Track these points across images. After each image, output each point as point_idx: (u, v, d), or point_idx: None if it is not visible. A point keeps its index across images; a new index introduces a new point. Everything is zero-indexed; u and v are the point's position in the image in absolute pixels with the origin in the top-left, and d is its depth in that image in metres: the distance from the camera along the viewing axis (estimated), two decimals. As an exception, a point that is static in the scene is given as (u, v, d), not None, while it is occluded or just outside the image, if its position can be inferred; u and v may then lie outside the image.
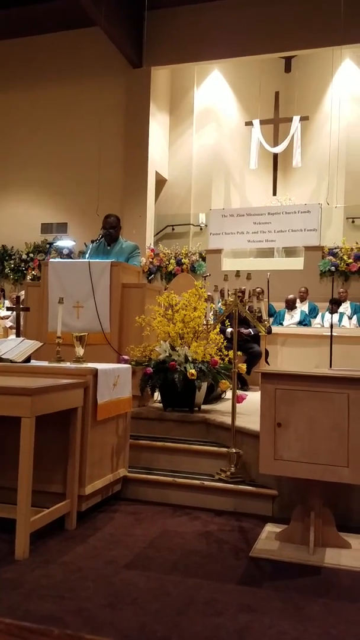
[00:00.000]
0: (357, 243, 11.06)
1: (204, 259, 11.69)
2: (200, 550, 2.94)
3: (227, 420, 3.98)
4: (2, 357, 3.53)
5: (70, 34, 12.30)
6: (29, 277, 12.25)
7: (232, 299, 3.98)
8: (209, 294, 4.74)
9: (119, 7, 11.01)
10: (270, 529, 3.24)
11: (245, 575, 2.68)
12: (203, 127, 12.97)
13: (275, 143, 12.59)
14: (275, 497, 3.50)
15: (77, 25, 11.91)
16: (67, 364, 3.54)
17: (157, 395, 4.81)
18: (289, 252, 12.09)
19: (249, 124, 12.72)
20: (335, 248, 11.03)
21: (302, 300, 9.96)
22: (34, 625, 0.75)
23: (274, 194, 12.67)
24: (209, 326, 4.28)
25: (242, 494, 3.58)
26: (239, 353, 4.17)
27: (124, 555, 2.83)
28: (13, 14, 12.06)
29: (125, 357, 4.37)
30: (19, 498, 2.76)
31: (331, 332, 7.20)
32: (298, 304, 9.80)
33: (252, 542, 3.05)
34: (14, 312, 5.37)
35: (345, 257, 10.83)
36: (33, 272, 12.26)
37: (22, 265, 12.62)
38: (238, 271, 4.37)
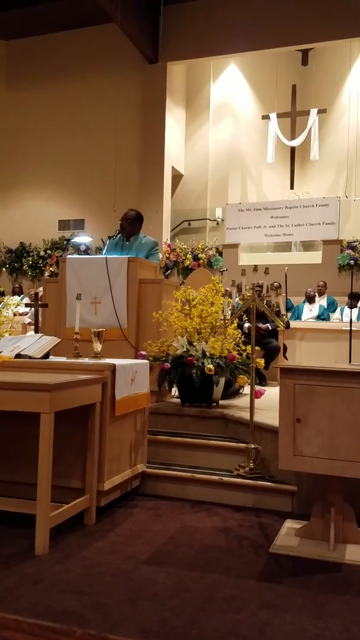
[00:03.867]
0: (376, 236, 10.93)
1: (220, 254, 11.64)
2: (220, 546, 2.93)
3: (246, 415, 3.96)
4: (21, 353, 3.55)
5: (86, 30, 12.29)
6: (46, 274, 12.32)
7: (249, 294, 3.95)
8: (226, 289, 4.71)
9: (134, 3, 10.97)
10: (289, 525, 3.22)
11: (265, 571, 2.66)
12: (219, 121, 12.90)
13: (293, 136, 12.48)
14: (294, 493, 3.48)
15: (92, 22, 11.90)
16: (85, 360, 3.55)
17: (174, 391, 4.80)
18: (307, 246, 11.98)
19: (265, 117, 12.62)
20: (355, 241, 10.90)
21: (321, 294, 9.87)
22: (57, 625, 0.74)
23: (292, 187, 12.56)
24: (226, 321, 4.26)
25: (261, 489, 3.56)
26: (257, 348, 4.14)
27: (143, 551, 2.83)
28: (29, 12, 12.09)
29: (143, 352, 4.37)
30: (39, 493, 2.77)
31: (350, 326, 7.12)
32: (316, 298, 9.72)
33: (271, 538, 3.04)
34: (33, 309, 5.41)
35: (364, 251, 10.70)
36: (51, 269, 12.33)
37: (40, 262, 12.70)
38: (256, 266, 4.33)
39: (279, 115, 12.46)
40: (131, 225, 5.07)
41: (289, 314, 9.12)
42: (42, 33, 12.57)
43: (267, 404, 4.08)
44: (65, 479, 3.23)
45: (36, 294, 5.80)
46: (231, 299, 4.51)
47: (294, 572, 2.68)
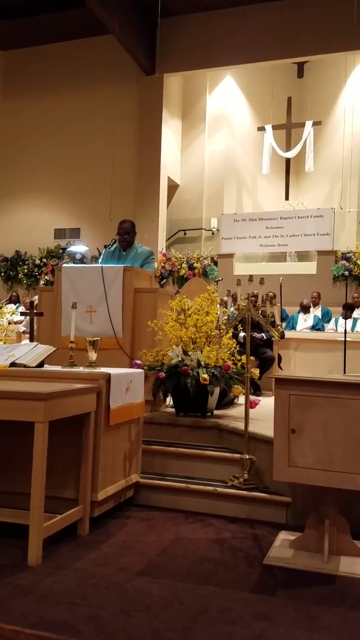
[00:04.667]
0: (370, 248, 11.00)
1: (215, 264, 11.68)
2: (214, 558, 2.91)
3: (240, 425, 3.96)
4: (16, 362, 3.53)
5: (84, 42, 12.39)
6: (42, 282, 12.32)
7: (244, 304, 3.97)
8: (221, 298, 4.72)
9: (132, 15, 11.08)
10: (284, 536, 3.21)
11: (259, 583, 2.65)
12: (215, 132, 12.99)
13: (288, 148, 12.58)
14: (289, 504, 3.47)
15: (90, 33, 12.00)
16: (80, 369, 3.54)
17: (169, 400, 4.80)
18: (302, 256, 12.04)
19: (261, 129, 12.72)
20: (349, 252, 10.96)
21: (315, 304, 9.91)
22: (54, 636, 0.74)
23: (287, 198, 12.64)
24: (221, 331, 4.26)
25: (255, 500, 3.55)
26: (252, 358, 4.14)
27: (136, 562, 2.81)
28: (26, 22, 12.18)
29: (138, 361, 4.37)
30: (32, 504, 2.75)
31: (345, 337, 7.14)
32: (311, 308, 9.76)
33: (265, 550, 3.02)
34: (28, 317, 5.40)
35: (359, 262, 10.75)
36: (46, 277, 12.33)
37: (36, 271, 12.70)
38: (251, 276, 4.36)
39: (274, 127, 12.57)
40: (130, 237, 5.13)
41: (284, 324, 9.14)
42: (40, 44, 12.66)
43: (261, 415, 4.07)
44: (59, 489, 3.21)
45: (31, 302, 5.80)
46: (226, 308, 4.52)
47: (288, 584, 2.67)
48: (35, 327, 5.00)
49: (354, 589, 2.63)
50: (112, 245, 5.13)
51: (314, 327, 9.32)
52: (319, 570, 2.80)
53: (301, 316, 9.57)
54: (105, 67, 12.22)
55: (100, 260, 5.03)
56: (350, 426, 2.79)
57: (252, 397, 3.96)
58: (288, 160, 12.71)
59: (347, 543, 2.98)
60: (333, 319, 9.55)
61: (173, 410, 4.59)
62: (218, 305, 4.52)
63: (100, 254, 5.14)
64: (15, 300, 11.65)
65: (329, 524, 2.93)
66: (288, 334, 8.23)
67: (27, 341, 5.17)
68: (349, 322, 8.92)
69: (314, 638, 2.16)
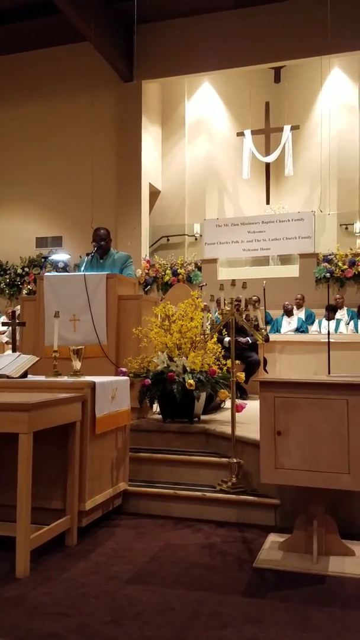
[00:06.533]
0: (351, 249, 11.09)
1: (199, 269, 11.71)
2: (204, 563, 2.91)
3: (227, 430, 3.96)
4: (-1, 372, 3.51)
5: (60, 49, 12.38)
6: (24, 292, 12.24)
7: (228, 308, 3.98)
8: (205, 303, 4.73)
9: (108, 22, 11.11)
10: (273, 538, 3.22)
11: (249, 586, 2.65)
12: (195, 138, 13.06)
13: (267, 153, 12.67)
14: (277, 507, 3.48)
15: (66, 40, 12.00)
16: (65, 378, 3.52)
17: (156, 407, 4.79)
18: (284, 259, 12.12)
19: (240, 134, 12.80)
20: (330, 255, 11.06)
21: (299, 307, 9.97)
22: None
23: (267, 202, 12.72)
24: (206, 336, 4.27)
25: (244, 504, 3.56)
26: (237, 362, 4.16)
27: (126, 570, 2.80)
28: (1, 30, 12.14)
29: (123, 369, 4.36)
30: (19, 515, 2.73)
31: (328, 338, 7.19)
32: (294, 311, 9.82)
33: (255, 553, 3.03)
34: (10, 327, 5.36)
35: (340, 264, 10.85)
36: (29, 287, 12.25)
37: (18, 280, 12.62)
38: (234, 280, 4.36)
39: (253, 132, 12.65)
40: (107, 243, 5.13)
41: (268, 327, 9.18)
42: (16, 51, 12.62)
43: (248, 418, 4.08)
44: (46, 500, 3.19)
45: (13, 312, 5.76)
46: (210, 313, 4.53)
47: (278, 586, 2.67)
48: (17, 337, 4.97)
49: (344, 588, 2.64)
50: (93, 254, 5.13)
51: (298, 330, 9.37)
52: (309, 571, 2.81)
53: (285, 319, 9.62)
54: (83, 74, 12.22)
55: (82, 269, 5.02)
56: (334, 426, 2.81)
57: (238, 401, 3.97)
58: (268, 165, 12.79)
59: (336, 543, 3.00)
60: (316, 321, 9.62)
61: (160, 416, 4.58)
62: (202, 311, 4.53)
63: (84, 263, 5.13)
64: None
65: (317, 524, 2.94)
66: (272, 337, 8.26)
67: (10, 352, 5.13)
68: (332, 323, 8.99)
69: (305, 638, 2.17)
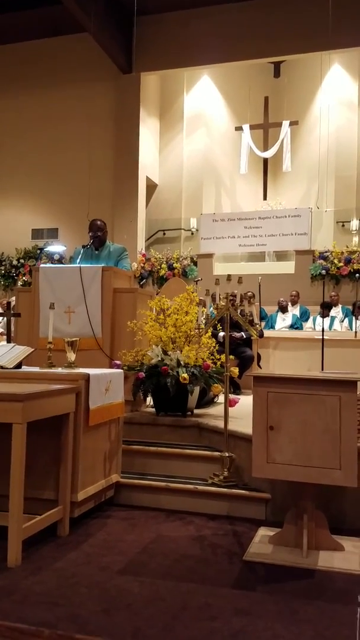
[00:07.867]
0: (347, 247, 11.12)
1: (195, 264, 11.70)
2: (194, 555, 2.93)
3: (220, 424, 3.98)
4: (-7, 363, 3.51)
5: (59, 40, 12.29)
6: (19, 283, 12.21)
7: (223, 303, 3.99)
8: (200, 298, 4.74)
9: (108, 13, 11.04)
10: (263, 532, 3.24)
11: (239, 579, 2.68)
12: (193, 132, 13.01)
13: (265, 148, 12.65)
14: (268, 501, 3.50)
15: (65, 31, 11.91)
16: (59, 370, 3.53)
17: (149, 400, 4.80)
18: (280, 256, 12.14)
19: (238, 129, 12.77)
20: (326, 252, 11.08)
21: (294, 303, 9.99)
22: (25, 626, 0.74)
23: (265, 198, 12.72)
24: (200, 330, 4.28)
25: (235, 497, 3.58)
26: (231, 357, 4.17)
27: (117, 561, 2.82)
28: (1, 20, 12.05)
29: (118, 362, 4.37)
30: (11, 505, 2.74)
31: (322, 335, 7.22)
32: (289, 307, 9.84)
33: (245, 546, 3.05)
34: (5, 318, 5.35)
35: (336, 261, 10.87)
36: (24, 278, 12.22)
37: (13, 271, 12.58)
38: (229, 275, 4.38)
39: (251, 127, 12.63)
40: (103, 234, 5.13)
41: (263, 323, 9.21)
42: (15, 42, 12.52)
43: (241, 413, 4.10)
44: (38, 490, 3.20)
45: (8, 303, 5.74)
46: (205, 308, 4.54)
47: (267, 579, 2.70)
48: (12, 329, 4.96)
49: (332, 582, 2.67)
50: (89, 246, 5.12)
51: (292, 326, 9.40)
52: (298, 564, 2.84)
53: (279, 315, 9.64)
54: (82, 65, 12.15)
55: (77, 261, 5.01)
56: (327, 422, 2.83)
57: (231, 396, 3.99)
58: (265, 160, 12.78)
59: (326, 538, 3.02)
60: (311, 318, 9.65)
61: (153, 410, 4.59)
62: (197, 305, 4.54)
63: (79, 254, 5.13)
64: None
65: (307, 519, 2.97)
66: (267, 333, 8.29)
67: (5, 342, 5.13)
68: (327, 320, 9.02)
69: (294, 631, 2.19)
